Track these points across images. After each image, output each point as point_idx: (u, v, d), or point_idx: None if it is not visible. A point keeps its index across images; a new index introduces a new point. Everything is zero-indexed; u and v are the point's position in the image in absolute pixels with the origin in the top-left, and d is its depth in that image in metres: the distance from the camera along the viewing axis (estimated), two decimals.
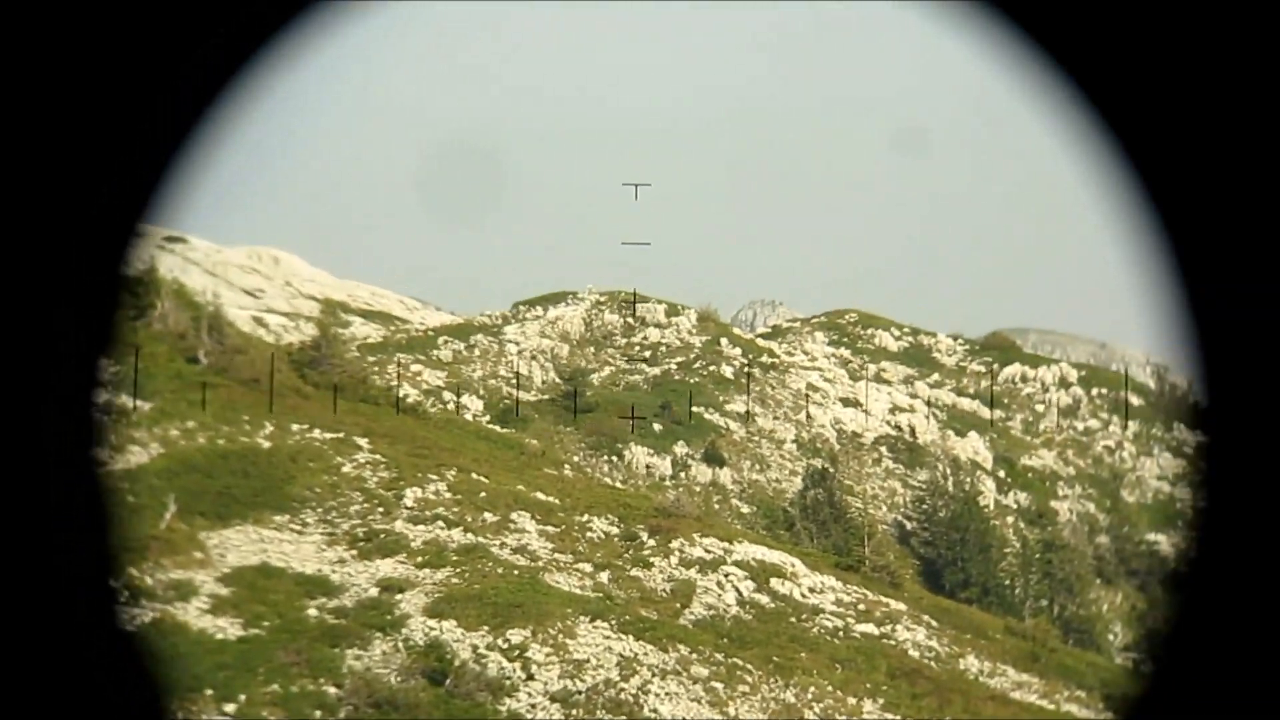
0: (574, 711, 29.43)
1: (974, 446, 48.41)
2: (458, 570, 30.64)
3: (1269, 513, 3.45)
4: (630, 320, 53.06)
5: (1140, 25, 3.41)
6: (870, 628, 33.96)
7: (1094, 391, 52.59)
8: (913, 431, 48.64)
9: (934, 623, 35.11)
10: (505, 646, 29.88)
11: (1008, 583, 40.91)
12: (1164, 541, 44.42)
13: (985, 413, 51.42)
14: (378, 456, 31.82)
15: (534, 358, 49.90)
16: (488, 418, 43.98)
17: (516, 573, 33.24)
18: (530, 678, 29.63)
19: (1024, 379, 53.16)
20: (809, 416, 49.20)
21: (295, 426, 30.75)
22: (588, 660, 30.91)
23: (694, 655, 31.54)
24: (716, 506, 44.42)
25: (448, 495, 33.34)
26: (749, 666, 31.47)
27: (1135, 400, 52.12)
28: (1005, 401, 52.27)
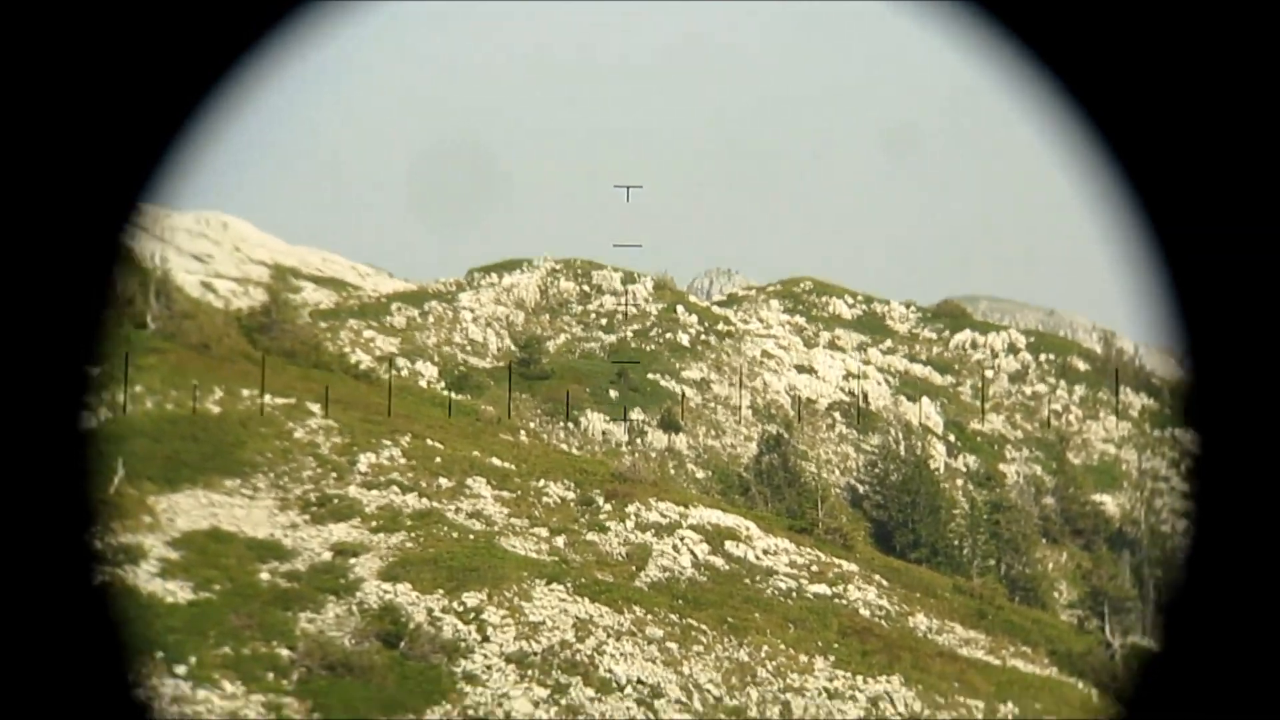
0: (529, 672, 29.67)
1: (925, 411, 49.14)
2: (412, 535, 30.64)
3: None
4: (586, 288, 53.08)
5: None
6: (822, 588, 34.50)
7: (1042, 357, 53.53)
8: (865, 397, 49.22)
9: (884, 582, 35.73)
10: (460, 609, 29.96)
11: (956, 543, 41.71)
12: (1108, 502, 45.47)
13: (936, 378, 52.16)
14: (330, 422, 31.65)
15: (489, 325, 49.79)
16: (442, 384, 43.87)
17: (472, 537, 33.29)
18: (486, 640, 29.77)
19: (974, 345, 53.98)
20: (764, 383, 49.61)
21: (245, 392, 30.49)
22: (543, 622, 31.10)
23: (649, 616, 31.85)
24: (672, 472, 44.73)
25: (402, 461, 33.30)
26: (703, 627, 31.86)
27: (1081, 365, 53.13)
28: (956, 367, 53.05)
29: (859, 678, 30.49)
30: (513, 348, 48.79)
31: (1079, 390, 52.05)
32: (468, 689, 28.08)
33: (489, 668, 29.06)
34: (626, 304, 52.42)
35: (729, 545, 35.77)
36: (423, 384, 43.48)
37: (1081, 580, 39.11)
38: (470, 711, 27.64)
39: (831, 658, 31.07)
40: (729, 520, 36.91)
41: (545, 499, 36.91)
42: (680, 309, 52.84)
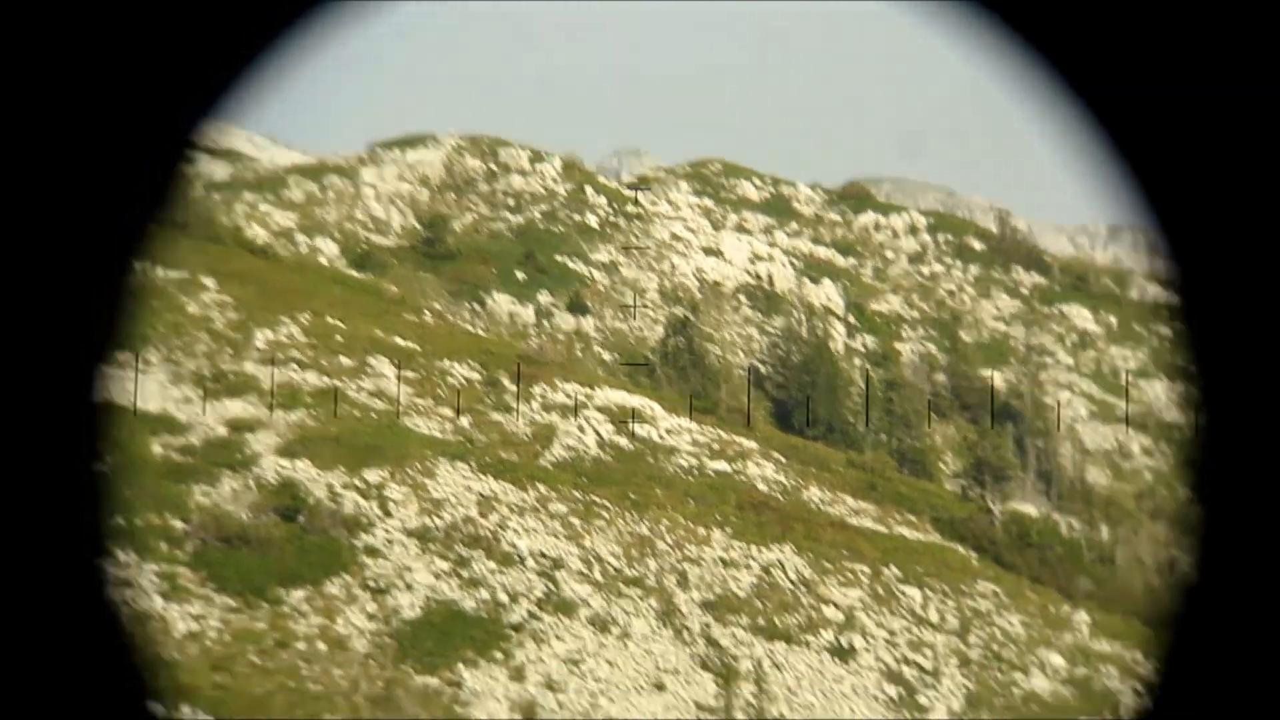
0: (432, 546, 30.03)
1: (827, 293, 49.96)
2: (312, 412, 30.41)
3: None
4: (493, 166, 52.04)
5: None
6: (723, 465, 35.43)
7: (940, 237, 54.60)
8: (771, 280, 49.77)
9: (782, 458, 36.84)
10: (362, 486, 30.04)
11: (851, 420, 42.97)
12: (996, 377, 47.15)
13: (839, 260, 52.92)
14: (225, 297, 30.91)
15: (392, 202, 48.66)
16: (344, 262, 42.98)
17: (375, 415, 33.18)
18: (387, 515, 29.97)
19: (877, 227, 54.73)
20: (672, 266, 49.71)
21: (136, 264, 29.49)
22: (447, 499, 31.42)
23: (553, 494, 32.39)
24: (579, 354, 44.90)
25: (301, 338, 32.77)
26: (606, 503, 32.55)
27: (977, 245, 54.33)
28: (859, 249, 53.82)
29: (753, 547, 31.63)
30: (417, 226, 47.89)
31: (974, 269, 53.33)
32: (368, 562, 28.33)
33: (390, 542, 29.31)
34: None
35: (633, 425, 36.35)
36: (323, 261, 42.49)
37: (967, 451, 40.76)
38: (371, 583, 27.96)
39: (729, 530, 32.12)
40: (634, 401, 37.44)
41: (450, 379, 36.85)
42: (589, 190, 52.30)
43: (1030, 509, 39.68)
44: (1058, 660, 30.39)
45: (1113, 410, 47.01)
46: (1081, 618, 31.98)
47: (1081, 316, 51.49)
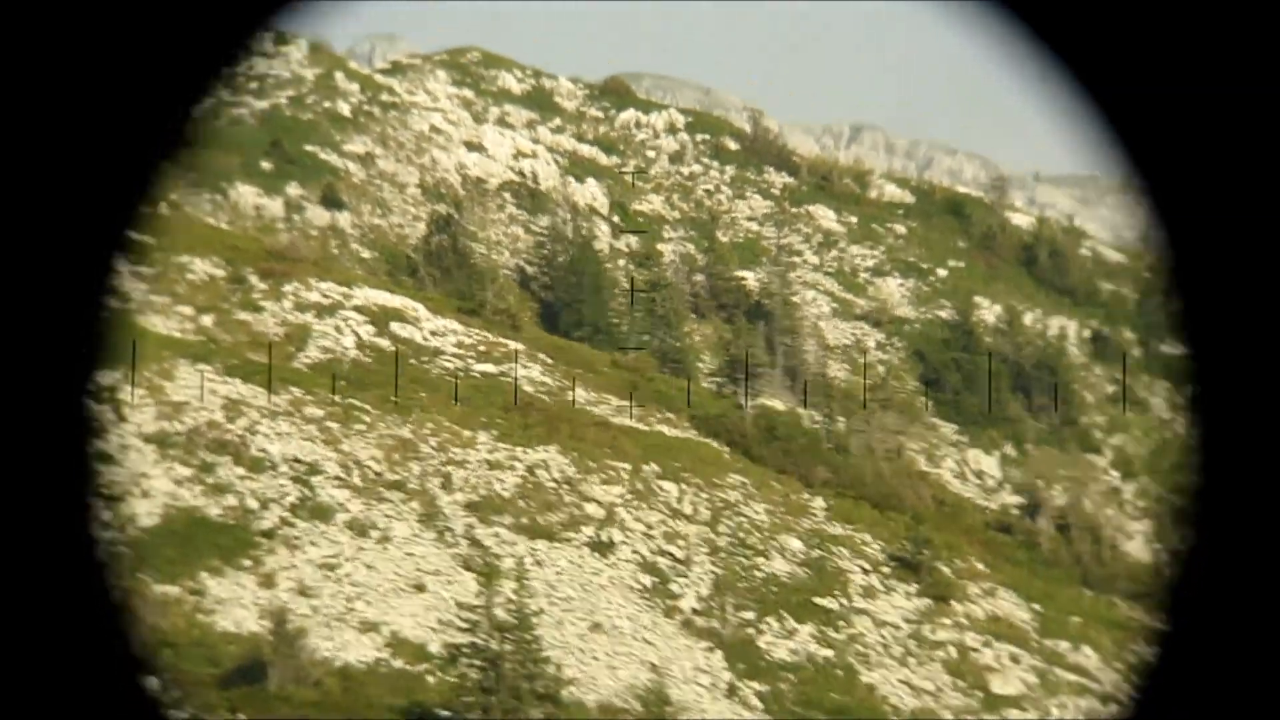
0: (172, 452, 28.09)
1: (592, 192, 49.76)
2: None
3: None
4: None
5: None
6: (489, 367, 34.93)
7: (698, 137, 55.39)
8: (535, 178, 48.95)
9: (548, 360, 36.74)
10: (90, 388, 27.56)
11: (616, 321, 43.40)
12: (749, 277, 48.86)
13: (602, 159, 52.72)
14: None
15: None
16: None
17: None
18: (121, 419, 27.71)
19: (638, 125, 54.79)
20: (432, 160, 47.89)
21: None
22: (188, 403, 29.36)
23: (308, 397, 30.89)
24: (335, 251, 42.72)
25: None
26: (366, 407, 31.42)
27: (732, 145, 55.55)
28: (621, 148, 53.77)
29: (519, 449, 31.52)
30: None
31: (729, 170, 54.56)
32: (100, 468, 26.16)
33: (125, 447, 27.17)
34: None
35: (395, 326, 35.09)
36: None
37: (722, 350, 42.12)
38: (103, 490, 25.86)
39: (495, 432, 31.83)
40: (395, 301, 36.09)
41: (190, 276, 34.20)
42: (339, 76, 49.24)
43: (778, 404, 41.68)
44: (796, 544, 32.27)
45: (851, 307, 49.76)
46: (819, 504, 34.04)
47: (826, 216, 53.83)
